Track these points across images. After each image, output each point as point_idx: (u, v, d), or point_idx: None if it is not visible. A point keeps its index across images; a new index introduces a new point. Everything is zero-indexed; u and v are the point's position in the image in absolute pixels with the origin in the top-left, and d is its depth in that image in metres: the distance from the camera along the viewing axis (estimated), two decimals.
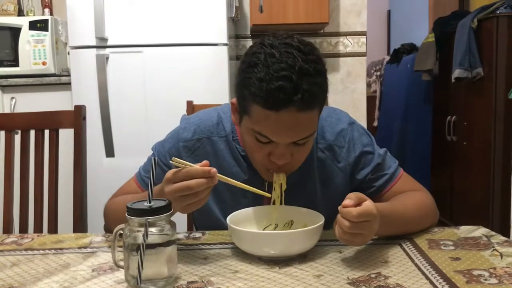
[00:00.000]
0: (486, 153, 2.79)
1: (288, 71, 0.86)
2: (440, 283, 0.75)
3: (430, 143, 3.67)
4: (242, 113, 0.97)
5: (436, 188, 3.38)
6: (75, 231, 1.37)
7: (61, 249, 0.98)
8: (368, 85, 4.52)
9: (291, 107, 0.87)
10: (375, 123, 4.73)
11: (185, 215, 1.39)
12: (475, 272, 0.79)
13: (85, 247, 0.98)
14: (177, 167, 0.86)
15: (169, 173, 0.84)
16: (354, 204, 0.82)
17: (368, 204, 0.83)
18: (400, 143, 4.21)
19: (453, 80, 2.91)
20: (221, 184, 1.09)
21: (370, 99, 4.01)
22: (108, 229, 1.12)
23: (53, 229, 1.39)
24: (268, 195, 0.97)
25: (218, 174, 0.84)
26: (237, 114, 1.00)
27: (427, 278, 0.78)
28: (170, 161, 0.87)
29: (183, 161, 0.86)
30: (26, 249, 0.98)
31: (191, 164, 0.85)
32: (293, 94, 0.86)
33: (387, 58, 4.71)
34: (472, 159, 2.99)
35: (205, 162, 0.85)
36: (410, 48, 4.27)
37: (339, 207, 0.83)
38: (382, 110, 4.70)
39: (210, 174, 0.83)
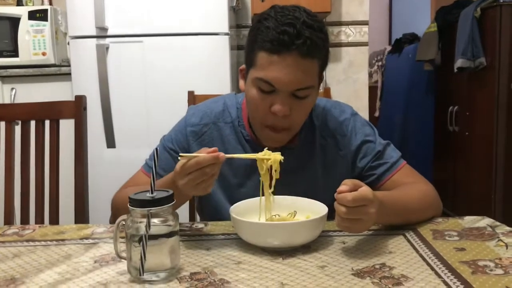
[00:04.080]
0: (488, 143, 2.78)
1: (294, 20, 0.95)
2: (445, 273, 0.75)
3: (432, 133, 3.66)
4: (248, 67, 1.03)
5: (438, 178, 3.37)
6: (76, 222, 1.37)
7: (63, 240, 0.97)
8: (370, 75, 4.49)
9: (294, 51, 0.94)
10: (377, 113, 4.72)
11: (187, 206, 1.38)
12: (481, 263, 0.78)
13: (87, 238, 0.98)
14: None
15: (178, 167, 0.86)
16: (349, 190, 0.82)
17: (364, 189, 0.83)
18: (402, 133, 4.19)
19: (455, 70, 2.90)
20: (226, 169, 1.11)
21: (372, 90, 3.99)
22: (114, 221, 1.11)
23: (54, 220, 1.38)
24: (263, 156, 0.96)
25: (226, 155, 0.87)
26: (243, 79, 1.06)
27: (432, 268, 0.77)
28: (178, 157, 0.87)
29: (190, 153, 0.88)
30: (27, 240, 0.97)
31: (196, 154, 0.86)
32: (296, 38, 0.94)
33: (389, 48, 4.68)
34: (474, 149, 2.98)
35: (213, 149, 0.87)
36: (411, 38, 4.24)
37: (335, 194, 0.83)
38: (384, 100, 4.69)
39: (218, 160, 0.86)
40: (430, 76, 3.62)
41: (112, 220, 1.13)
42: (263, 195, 0.98)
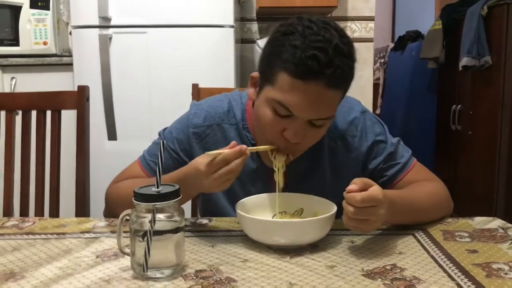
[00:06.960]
0: (491, 143, 2.75)
1: (325, 44, 0.84)
2: (459, 276, 0.73)
3: (434, 131, 3.64)
4: (264, 82, 0.94)
5: (440, 178, 3.33)
6: (77, 214, 1.34)
7: (63, 233, 0.95)
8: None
9: (320, 81, 0.85)
10: (378, 111, 4.69)
11: (189, 202, 1.36)
12: (494, 266, 0.76)
13: (88, 232, 0.95)
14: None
15: (203, 166, 0.86)
16: (359, 189, 0.79)
17: (374, 189, 0.80)
18: (403, 131, 4.17)
19: (460, 68, 2.87)
20: None
21: (374, 87, 3.96)
22: (109, 214, 1.08)
23: (54, 212, 1.36)
24: (269, 147, 0.96)
25: (248, 148, 0.87)
26: (255, 88, 0.98)
27: (445, 271, 0.75)
28: (205, 153, 0.86)
29: (216, 151, 0.86)
30: (27, 233, 0.95)
31: (221, 151, 0.85)
32: (326, 67, 0.84)
33: (392, 45, 4.65)
34: (477, 149, 2.96)
35: (233, 143, 0.87)
36: (415, 36, 4.22)
37: (344, 193, 0.81)
38: (385, 98, 4.66)
39: (243, 153, 0.85)
40: (433, 74, 3.59)
41: (106, 213, 1.10)
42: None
